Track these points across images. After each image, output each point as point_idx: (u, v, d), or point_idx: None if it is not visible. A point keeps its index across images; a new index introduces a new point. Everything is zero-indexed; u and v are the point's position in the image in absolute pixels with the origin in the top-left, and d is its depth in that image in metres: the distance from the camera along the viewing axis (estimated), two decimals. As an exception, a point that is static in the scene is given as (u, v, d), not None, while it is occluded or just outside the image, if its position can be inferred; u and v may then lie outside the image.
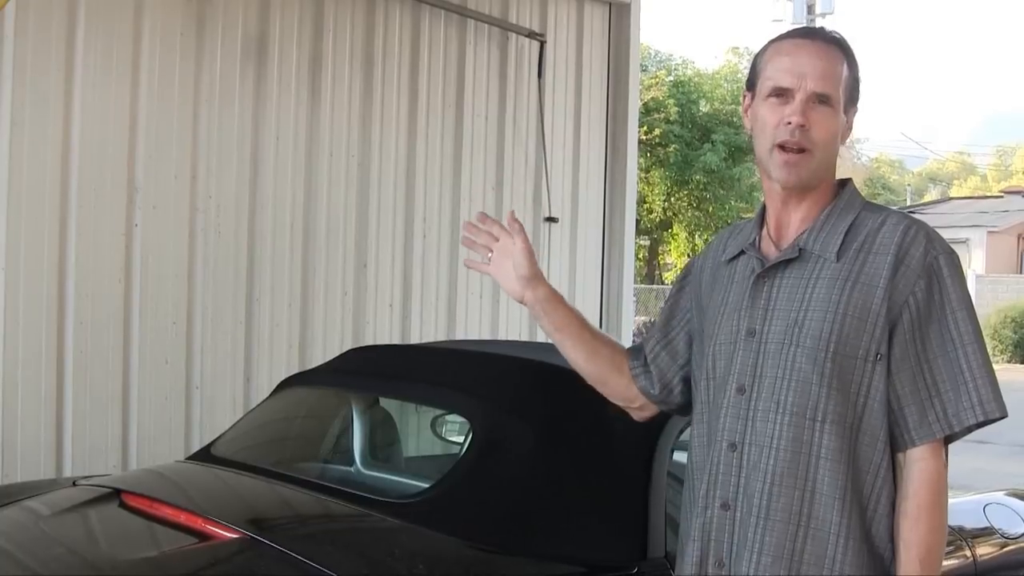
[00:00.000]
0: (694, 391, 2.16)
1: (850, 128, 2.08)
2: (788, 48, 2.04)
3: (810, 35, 2.06)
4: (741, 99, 2.17)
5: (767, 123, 2.01)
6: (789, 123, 1.97)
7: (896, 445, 1.92)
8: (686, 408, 2.24)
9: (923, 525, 1.88)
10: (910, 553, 1.88)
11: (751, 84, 2.09)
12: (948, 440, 1.94)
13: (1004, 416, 1.91)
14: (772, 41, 2.11)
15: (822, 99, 1.98)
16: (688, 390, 2.22)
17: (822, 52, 2.01)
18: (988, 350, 1.98)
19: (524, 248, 2.27)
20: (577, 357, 2.30)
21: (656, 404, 2.29)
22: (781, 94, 1.99)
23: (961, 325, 1.91)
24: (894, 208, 2.36)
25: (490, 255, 2.33)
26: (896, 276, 1.92)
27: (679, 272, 2.38)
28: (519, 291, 2.29)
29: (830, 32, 2.07)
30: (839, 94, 2.01)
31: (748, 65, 2.32)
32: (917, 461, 1.90)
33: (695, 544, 2.01)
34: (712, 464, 2.01)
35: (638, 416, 2.35)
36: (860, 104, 2.09)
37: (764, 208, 2.14)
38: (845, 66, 2.03)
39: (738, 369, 2.00)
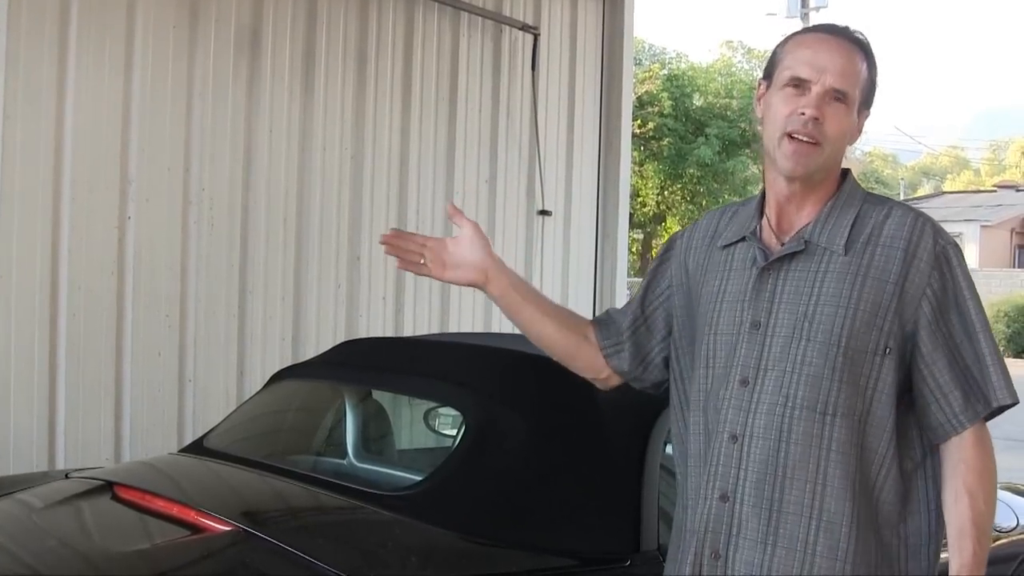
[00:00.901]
0: (688, 380, 2.13)
1: (860, 131, 2.08)
2: (810, 41, 2.04)
3: (834, 32, 2.05)
4: (756, 87, 2.16)
5: (779, 112, 2.00)
6: (803, 114, 1.97)
7: (943, 431, 1.96)
8: (658, 386, 2.23)
9: (988, 483, 1.96)
10: (978, 504, 1.94)
11: (768, 73, 2.08)
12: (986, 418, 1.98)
13: (1016, 403, 1.97)
14: (795, 33, 2.12)
15: (839, 95, 1.98)
16: (665, 369, 2.20)
17: (844, 50, 2.00)
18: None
19: (475, 229, 2.19)
20: (548, 330, 2.23)
21: (628, 381, 2.25)
22: (798, 85, 1.99)
23: (973, 313, 1.96)
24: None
25: (421, 261, 2.20)
26: (910, 271, 1.94)
27: (660, 247, 2.34)
28: (478, 275, 2.19)
29: (855, 32, 2.06)
30: (856, 94, 2.01)
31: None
32: (970, 436, 1.95)
33: (692, 535, 2.01)
34: (712, 455, 2.01)
35: (603, 386, 2.29)
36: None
37: (763, 195, 2.12)
38: (865, 67, 2.03)
39: (741, 361, 2.00)
